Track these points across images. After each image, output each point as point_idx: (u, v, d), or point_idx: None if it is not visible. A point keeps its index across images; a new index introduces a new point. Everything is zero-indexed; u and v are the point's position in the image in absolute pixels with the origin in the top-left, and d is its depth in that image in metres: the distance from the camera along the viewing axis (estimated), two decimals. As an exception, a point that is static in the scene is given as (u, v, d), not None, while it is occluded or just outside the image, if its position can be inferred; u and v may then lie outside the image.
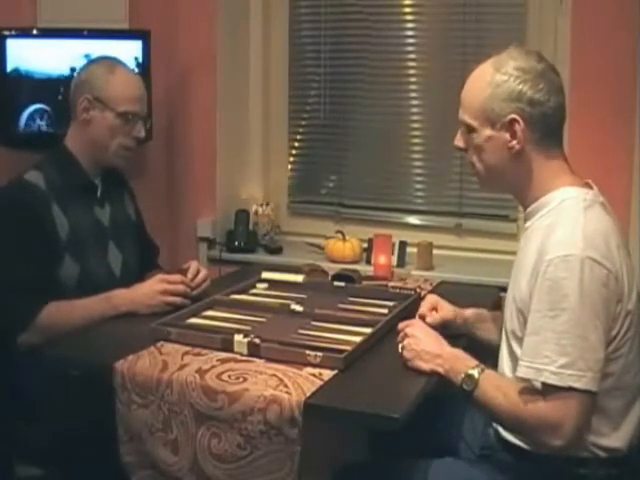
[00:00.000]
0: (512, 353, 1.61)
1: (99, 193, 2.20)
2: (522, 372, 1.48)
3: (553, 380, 1.43)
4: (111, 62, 2.18)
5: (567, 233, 1.49)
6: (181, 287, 2.07)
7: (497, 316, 1.88)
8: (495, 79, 1.58)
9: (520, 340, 1.56)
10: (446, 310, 1.88)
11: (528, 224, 1.65)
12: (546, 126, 1.58)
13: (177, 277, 2.09)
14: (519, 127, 1.56)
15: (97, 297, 2.02)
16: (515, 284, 1.62)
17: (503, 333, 1.68)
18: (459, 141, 1.68)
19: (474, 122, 1.61)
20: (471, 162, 1.68)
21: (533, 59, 1.59)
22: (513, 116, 1.56)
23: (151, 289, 2.04)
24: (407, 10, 2.90)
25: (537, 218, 1.61)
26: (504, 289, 1.91)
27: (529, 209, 1.64)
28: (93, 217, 2.17)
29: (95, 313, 1.99)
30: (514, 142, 1.58)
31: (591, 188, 1.62)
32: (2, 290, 1.97)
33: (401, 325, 1.76)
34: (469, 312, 1.91)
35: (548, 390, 1.45)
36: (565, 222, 1.51)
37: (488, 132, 1.60)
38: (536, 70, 1.57)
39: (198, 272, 2.17)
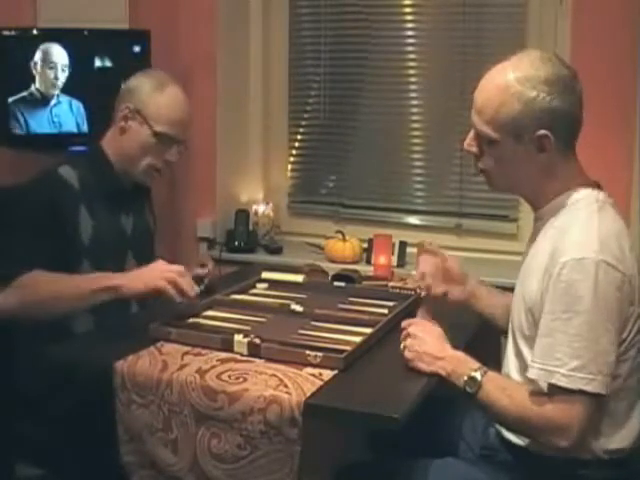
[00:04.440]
0: (519, 352, 1.60)
1: (127, 200, 2.16)
2: (533, 374, 1.48)
3: (564, 383, 1.42)
4: (164, 79, 2.10)
5: (582, 235, 1.48)
6: (188, 289, 1.87)
7: (491, 291, 1.90)
8: (524, 95, 1.51)
9: (528, 339, 1.56)
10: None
11: (539, 225, 1.64)
12: (570, 134, 1.57)
13: (188, 283, 1.89)
14: (548, 142, 1.52)
15: (78, 276, 1.93)
16: (525, 284, 1.61)
17: (510, 332, 1.68)
18: (472, 147, 1.63)
19: (496, 135, 1.55)
20: (482, 168, 1.63)
21: (558, 66, 1.54)
22: (544, 132, 1.52)
23: (161, 273, 1.87)
24: (407, 10, 2.91)
25: (548, 219, 1.60)
26: (504, 289, 1.91)
27: (541, 211, 1.63)
28: (118, 225, 2.13)
29: (82, 283, 1.89)
30: (542, 155, 1.54)
31: (600, 188, 1.61)
32: None
33: (404, 323, 1.74)
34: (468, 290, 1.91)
35: (557, 392, 1.44)
36: (579, 223, 1.51)
37: (512, 145, 1.55)
38: (564, 81, 1.53)
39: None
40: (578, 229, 1.49)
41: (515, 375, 1.62)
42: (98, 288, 1.87)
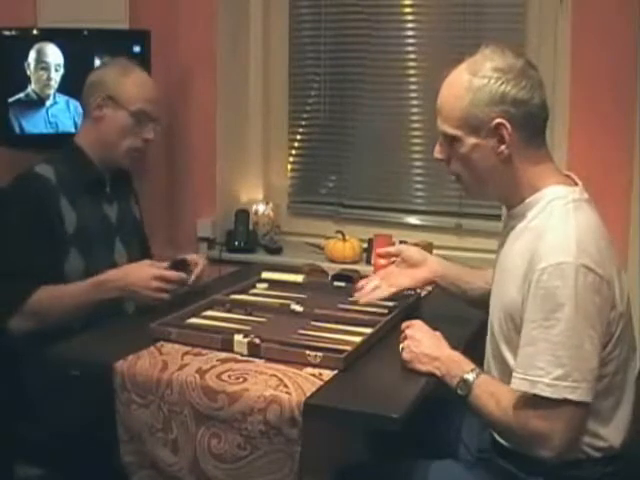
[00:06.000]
0: (500, 356, 1.59)
1: (108, 189, 2.22)
2: (516, 384, 1.45)
3: (548, 392, 1.40)
4: (126, 65, 2.20)
5: (559, 239, 1.45)
6: (175, 286, 2.05)
7: (461, 270, 1.96)
8: (473, 84, 1.51)
9: (510, 344, 1.54)
10: (404, 279, 1.96)
11: (513, 223, 1.60)
12: (532, 126, 1.53)
13: (173, 275, 2.04)
14: (506, 131, 1.50)
15: (88, 282, 2.00)
16: (502, 287, 1.58)
17: (488, 334, 1.66)
18: (439, 153, 1.63)
19: (457, 132, 1.56)
20: (455, 173, 1.63)
21: (510, 56, 1.53)
22: (499, 120, 1.50)
23: (146, 284, 1.99)
24: (407, 10, 2.91)
25: (524, 219, 1.57)
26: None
27: (515, 210, 1.60)
28: (101, 213, 2.19)
29: (85, 299, 1.98)
30: (502, 147, 1.52)
31: (575, 183, 1.58)
32: None
33: (403, 325, 1.75)
34: (432, 275, 1.95)
35: (541, 402, 1.42)
36: (556, 226, 1.48)
37: (473, 140, 1.54)
38: (516, 68, 1.51)
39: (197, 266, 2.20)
40: (555, 232, 1.46)
41: (496, 377, 1.60)
42: (99, 300, 1.99)
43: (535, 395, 1.43)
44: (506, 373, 1.55)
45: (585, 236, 1.45)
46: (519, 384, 1.45)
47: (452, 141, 1.58)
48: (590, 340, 1.42)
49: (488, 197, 1.75)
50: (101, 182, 2.19)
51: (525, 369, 1.44)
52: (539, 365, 1.41)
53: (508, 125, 1.50)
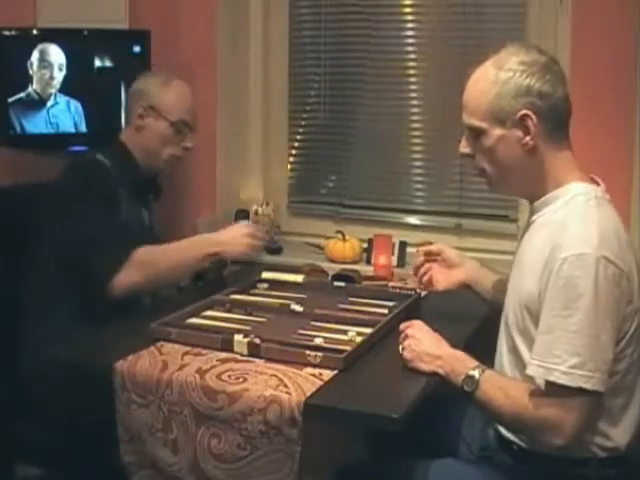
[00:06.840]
0: (514, 348, 1.60)
1: (145, 194, 2.30)
2: (532, 371, 1.47)
3: (564, 380, 1.42)
4: (167, 75, 2.30)
5: (581, 231, 1.47)
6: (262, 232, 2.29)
7: (486, 274, 2.00)
8: (500, 77, 1.55)
9: (525, 335, 1.56)
10: (439, 282, 2.01)
11: (534, 217, 1.63)
12: (556, 118, 1.57)
13: (263, 231, 2.34)
14: (532, 122, 1.54)
15: (183, 241, 2.14)
16: (520, 278, 1.60)
17: (503, 327, 1.68)
18: (465, 147, 1.65)
19: (483, 124, 1.58)
20: (480, 167, 1.65)
21: (534, 52, 1.58)
22: (524, 111, 1.54)
23: (239, 241, 2.14)
24: (407, 10, 2.90)
25: (545, 212, 1.60)
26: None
27: (536, 203, 1.63)
28: (141, 213, 2.28)
29: (182, 257, 2.10)
30: (527, 138, 1.55)
31: (597, 184, 1.61)
32: (94, 238, 2.03)
33: (402, 326, 1.75)
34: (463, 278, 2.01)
35: (555, 390, 1.44)
36: (578, 219, 1.50)
37: (499, 132, 1.57)
38: (540, 62, 1.55)
39: None
40: (577, 224, 1.49)
41: (509, 371, 1.62)
42: (206, 255, 2.12)
43: (549, 383, 1.44)
44: (520, 367, 1.56)
45: (607, 230, 1.48)
46: (535, 371, 1.46)
47: (478, 134, 1.61)
48: (606, 332, 1.44)
49: (512, 192, 1.78)
50: (143, 185, 2.27)
51: (542, 356, 1.46)
52: (556, 353, 1.43)
53: (534, 116, 1.54)
